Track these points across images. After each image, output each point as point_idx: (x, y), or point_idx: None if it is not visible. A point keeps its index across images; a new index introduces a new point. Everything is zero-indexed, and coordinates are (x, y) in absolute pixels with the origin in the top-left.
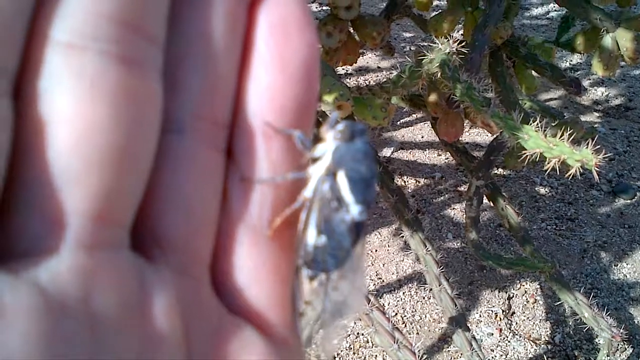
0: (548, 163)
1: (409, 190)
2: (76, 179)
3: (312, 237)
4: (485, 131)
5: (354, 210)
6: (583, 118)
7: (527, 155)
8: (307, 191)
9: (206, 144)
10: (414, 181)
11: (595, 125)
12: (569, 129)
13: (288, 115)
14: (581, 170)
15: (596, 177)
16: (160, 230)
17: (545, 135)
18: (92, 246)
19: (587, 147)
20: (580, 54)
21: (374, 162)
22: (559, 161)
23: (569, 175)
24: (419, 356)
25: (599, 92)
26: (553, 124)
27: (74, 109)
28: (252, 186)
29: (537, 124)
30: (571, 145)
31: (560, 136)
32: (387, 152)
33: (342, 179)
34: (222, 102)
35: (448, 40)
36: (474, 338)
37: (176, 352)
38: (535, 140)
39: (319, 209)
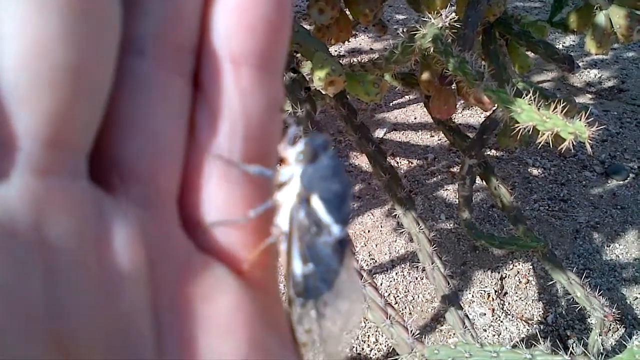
0: (541, 136)
1: (402, 171)
2: (25, 98)
3: (298, 268)
4: (478, 113)
5: (335, 230)
6: (576, 100)
7: (520, 129)
8: (281, 222)
9: (169, 69)
10: (407, 162)
11: (588, 107)
12: (562, 102)
13: (258, 36)
14: (574, 143)
15: (589, 149)
16: (121, 159)
17: (539, 108)
18: (45, 171)
19: (580, 120)
20: (574, 32)
21: (344, 173)
22: (551, 134)
23: (562, 148)
24: (411, 332)
25: (592, 74)
26: (546, 103)
27: (21, 24)
28: (221, 116)
29: (530, 97)
30: (564, 117)
31: (554, 109)
32: (379, 133)
33: (316, 202)
34: (186, 23)
35: (441, 15)
36: (467, 316)
37: (140, 287)
38: (528, 113)
39: (299, 237)
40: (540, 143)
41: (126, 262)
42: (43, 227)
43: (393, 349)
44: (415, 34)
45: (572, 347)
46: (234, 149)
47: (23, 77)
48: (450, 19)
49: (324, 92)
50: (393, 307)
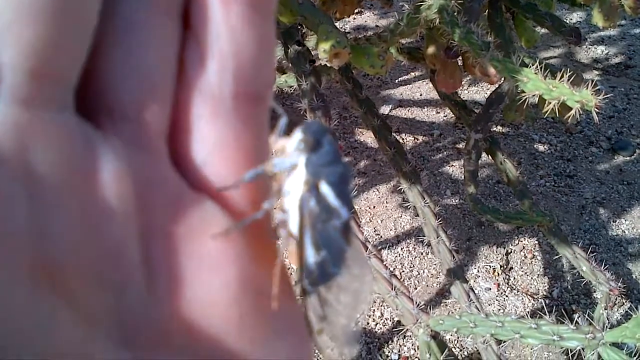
0: (547, 105)
1: (407, 148)
2: (10, 28)
3: (312, 256)
4: (484, 89)
5: (343, 212)
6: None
7: (526, 100)
8: (290, 213)
9: (158, 7)
10: (412, 138)
11: (595, 85)
12: (568, 71)
13: None
14: (581, 112)
15: (595, 118)
16: (109, 97)
17: (545, 78)
18: (29, 102)
19: (587, 89)
20: (581, 6)
21: (341, 152)
22: (558, 103)
23: (569, 117)
24: (416, 303)
25: (599, 51)
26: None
27: None
28: (210, 55)
29: (537, 67)
30: (571, 86)
31: (560, 79)
32: (385, 109)
33: (325, 189)
34: None
35: None
36: (472, 289)
37: (128, 220)
38: (535, 82)
39: (312, 225)
40: (546, 119)
41: (114, 194)
42: (27, 155)
43: (398, 322)
44: (421, 5)
45: (578, 321)
46: (223, 87)
47: (8, 6)
48: None
49: (329, 65)
50: (398, 278)
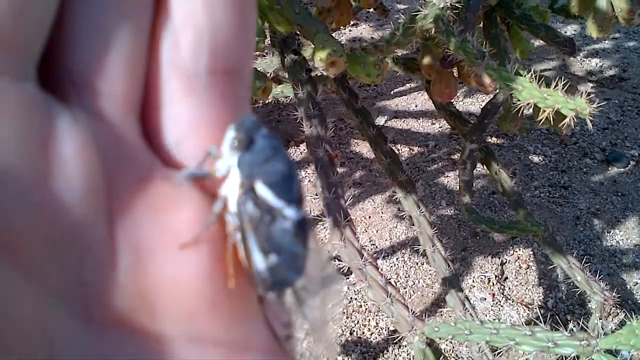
0: (542, 114)
1: (403, 159)
2: None
3: (260, 262)
4: (479, 100)
5: (290, 212)
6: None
7: (521, 108)
8: (232, 218)
9: None
10: (408, 149)
11: (590, 95)
12: (562, 79)
13: None
14: (575, 120)
15: (590, 125)
16: (75, 69)
17: (540, 86)
18: None
19: (581, 97)
20: (575, 17)
21: (285, 150)
22: (552, 111)
23: (563, 124)
24: (412, 310)
25: (593, 63)
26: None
27: None
28: (185, 28)
29: (532, 75)
30: (565, 94)
31: (554, 87)
32: (380, 120)
33: (262, 189)
34: None
35: None
36: (467, 298)
37: (91, 193)
38: (529, 90)
39: (254, 230)
40: (541, 130)
41: (75, 166)
42: None
43: (393, 331)
44: (417, 15)
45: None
46: (199, 63)
47: None
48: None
49: (325, 74)
50: (393, 285)
